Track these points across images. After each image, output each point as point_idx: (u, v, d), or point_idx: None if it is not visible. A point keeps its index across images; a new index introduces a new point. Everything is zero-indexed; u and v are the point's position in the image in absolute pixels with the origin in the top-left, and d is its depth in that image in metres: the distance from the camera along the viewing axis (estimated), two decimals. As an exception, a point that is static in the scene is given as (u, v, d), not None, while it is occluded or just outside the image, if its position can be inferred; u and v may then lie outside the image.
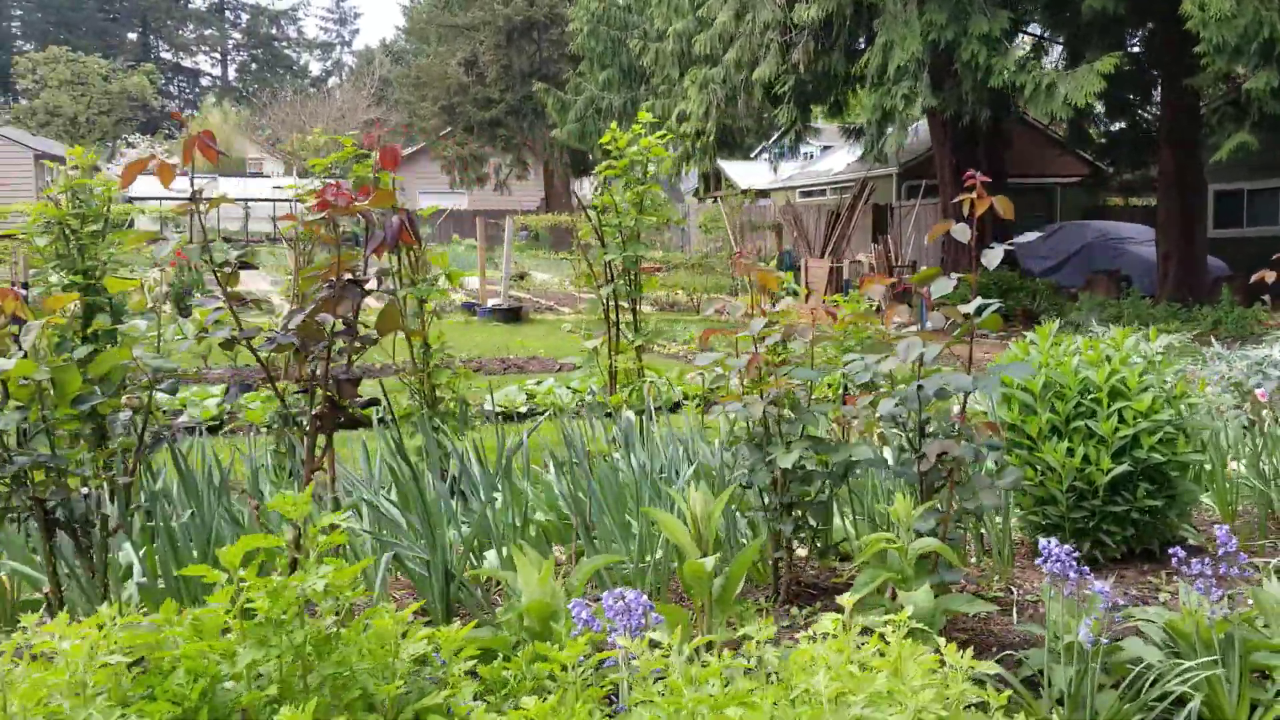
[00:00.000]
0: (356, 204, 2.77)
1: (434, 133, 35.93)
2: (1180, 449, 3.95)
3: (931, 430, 3.40)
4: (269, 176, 47.79)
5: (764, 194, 32.94)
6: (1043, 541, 2.74)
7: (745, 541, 3.50)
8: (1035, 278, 20.34)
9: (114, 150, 47.63)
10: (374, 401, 2.92)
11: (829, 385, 5.07)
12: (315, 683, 2.06)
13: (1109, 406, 3.96)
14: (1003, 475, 3.21)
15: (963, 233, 3.39)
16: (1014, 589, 3.82)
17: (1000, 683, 2.89)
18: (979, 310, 3.40)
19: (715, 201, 27.78)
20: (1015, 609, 3.59)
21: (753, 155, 35.56)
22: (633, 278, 7.14)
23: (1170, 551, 3.07)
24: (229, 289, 2.86)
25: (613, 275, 7.00)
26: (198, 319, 2.94)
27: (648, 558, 3.24)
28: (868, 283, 3.63)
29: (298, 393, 2.99)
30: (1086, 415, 4.00)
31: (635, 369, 6.96)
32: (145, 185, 35.78)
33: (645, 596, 2.38)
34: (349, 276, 2.80)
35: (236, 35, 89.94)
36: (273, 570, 2.50)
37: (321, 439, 3.02)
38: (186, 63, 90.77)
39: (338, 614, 2.25)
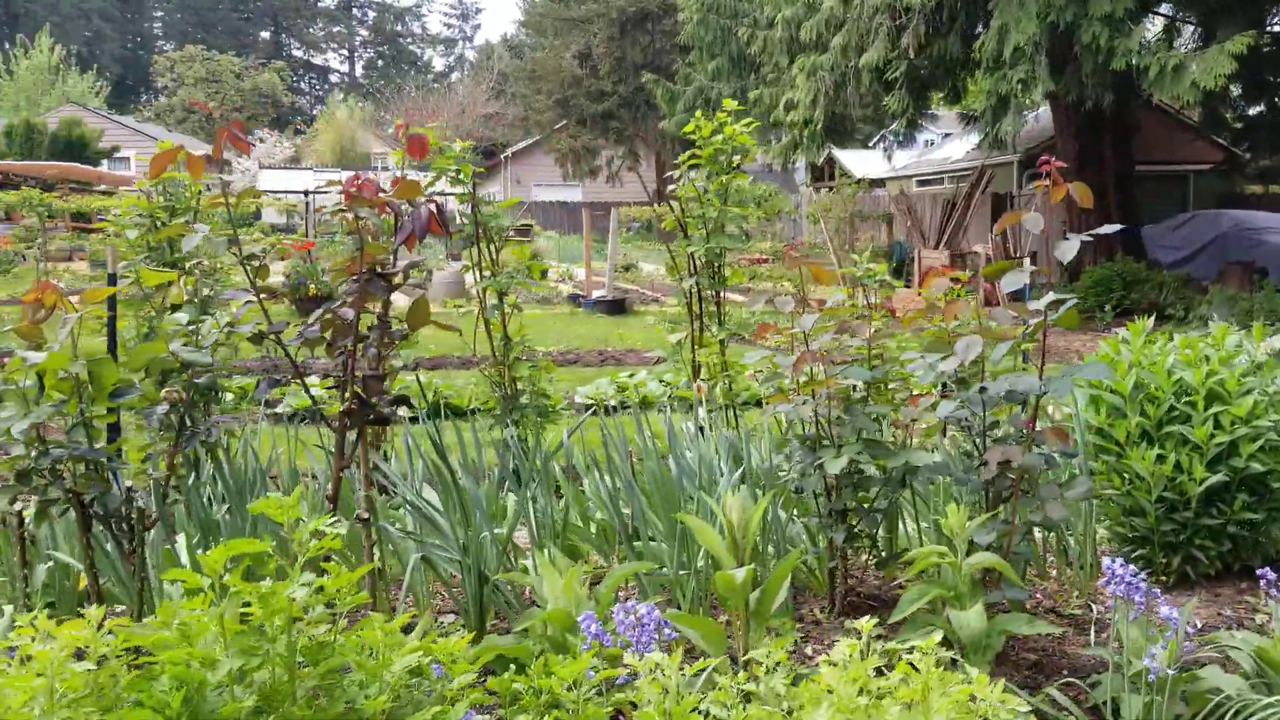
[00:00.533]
0: (380, 196, 2.69)
1: (548, 126, 36.15)
2: (1284, 457, 3.62)
3: (999, 435, 3.17)
4: (388, 170, 48.70)
5: (880, 183, 32.27)
6: (1106, 560, 2.51)
7: (803, 549, 3.32)
8: (1164, 269, 19.42)
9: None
10: (402, 399, 2.84)
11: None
12: (302, 694, 1.98)
13: (1205, 410, 3.66)
14: (1072, 485, 2.96)
15: (1035, 223, 3.15)
16: (1094, 606, 3.56)
17: (1060, 710, 2.66)
18: (1055, 305, 3.16)
19: (830, 191, 27.33)
20: (1094, 628, 3.34)
21: (871, 144, 34.88)
22: (716, 270, 6.98)
23: (1259, 573, 2.80)
24: (259, 283, 2.81)
25: (695, 268, 6.85)
26: (231, 313, 2.90)
27: (691, 565, 3.10)
28: (931, 276, 3.41)
29: (331, 387, 2.93)
30: (1180, 420, 3.70)
31: (718, 363, 6.80)
32: (273, 179, 36.93)
33: (657, 611, 2.24)
34: (375, 270, 2.72)
35: (363, 32, 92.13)
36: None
37: (353, 435, 2.95)
38: (316, 60, 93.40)
39: (334, 621, 2.17)
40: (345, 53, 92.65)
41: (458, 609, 3.14)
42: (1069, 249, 3.08)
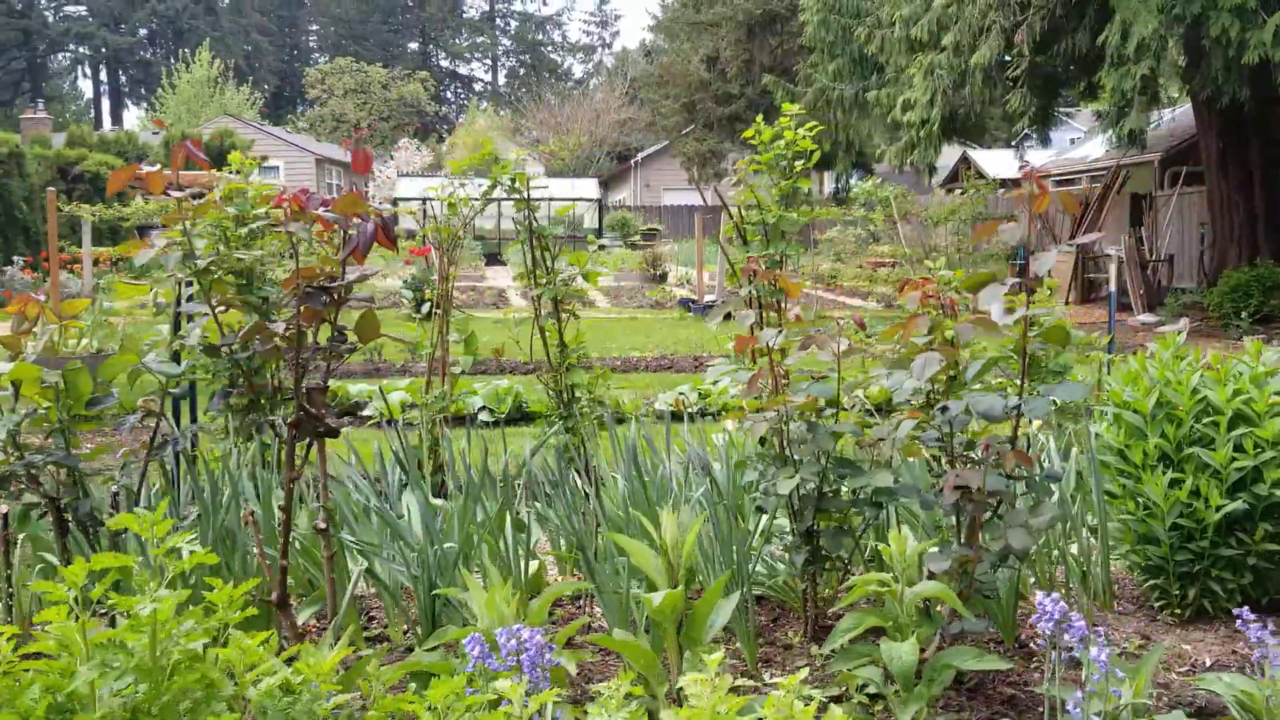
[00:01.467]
0: (319, 211, 2.71)
1: (675, 130, 36.23)
2: (1314, 485, 3.34)
3: (978, 458, 3.01)
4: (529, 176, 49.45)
5: (1015, 184, 31.31)
6: (1039, 596, 2.35)
7: (731, 572, 3.19)
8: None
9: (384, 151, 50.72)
10: (355, 409, 2.86)
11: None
12: (157, 708, 2.01)
13: (1228, 432, 3.40)
14: (1037, 511, 2.78)
15: (1012, 234, 2.97)
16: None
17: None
18: (1034, 320, 2.98)
19: (962, 193, 26.68)
20: (1064, 666, 3.14)
21: (1014, 143, 33.79)
22: (773, 278, 6.86)
23: (1236, 613, 2.58)
24: (217, 295, 2.88)
25: (753, 275, 6.74)
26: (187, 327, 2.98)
27: (647, 585, 3.03)
28: (909, 288, 3.26)
29: (282, 400, 2.97)
30: (1202, 442, 3.45)
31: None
32: (409, 186, 38.01)
33: (541, 635, 2.20)
34: (317, 284, 2.75)
35: (506, 42, 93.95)
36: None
37: (318, 446, 2.99)
38: (462, 69, 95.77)
39: (216, 639, 2.20)
40: (489, 62, 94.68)
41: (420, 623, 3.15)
42: (1046, 261, 2.89)
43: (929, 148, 17.36)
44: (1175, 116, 24.63)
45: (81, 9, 71.49)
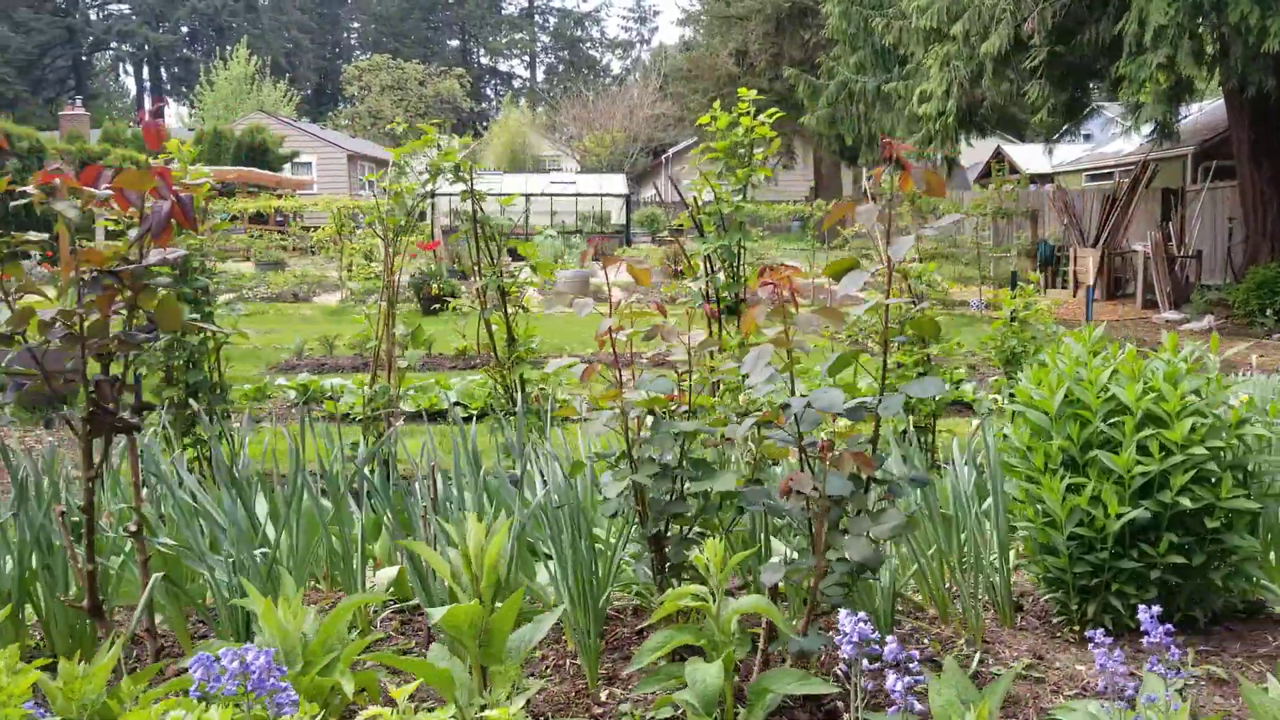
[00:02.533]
0: (90, 190, 2.50)
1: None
2: (1225, 493, 3.04)
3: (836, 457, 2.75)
4: (561, 171, 49.41)
5: (1048, 178, 30.75)
6: (842, 614, 2.09)
7: (525, 588, 2.93)
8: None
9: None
10: (147, 406, 2.66)
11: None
12: None
13: (1135, 433, 3.11)
14: (880, 520, 2.51)
15: (867, 216, 2.70)
16: (990, 658, 3.07)
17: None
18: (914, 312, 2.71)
19: (993, 187, 26.24)
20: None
21: (1054, 137, 33.08)
22: (734, 270, 6.63)
23: (1088, 635, 2.31)
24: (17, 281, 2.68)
25: (712, 269, 6.50)
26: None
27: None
28: (777, 275, 2.99)
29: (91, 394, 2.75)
30: (1111, 445, 3.17)
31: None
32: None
33: (265, 656, 1.98)
34: (107, 269, 2.55)
35: (544, 38, 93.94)
36: None
37: (128, 443, 2.79)
38: (502, 66, 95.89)
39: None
40: (527, 58, 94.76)
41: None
42: (902, 246, 2.62)
43: (945, 140, 16.96)
44: (1207, 109, 23.99)
45: (124, 7, 72.35)
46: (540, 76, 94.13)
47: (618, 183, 37.29)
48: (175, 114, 68.02)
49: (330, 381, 9.14)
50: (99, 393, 2.61)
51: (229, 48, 58.10)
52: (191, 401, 5.31)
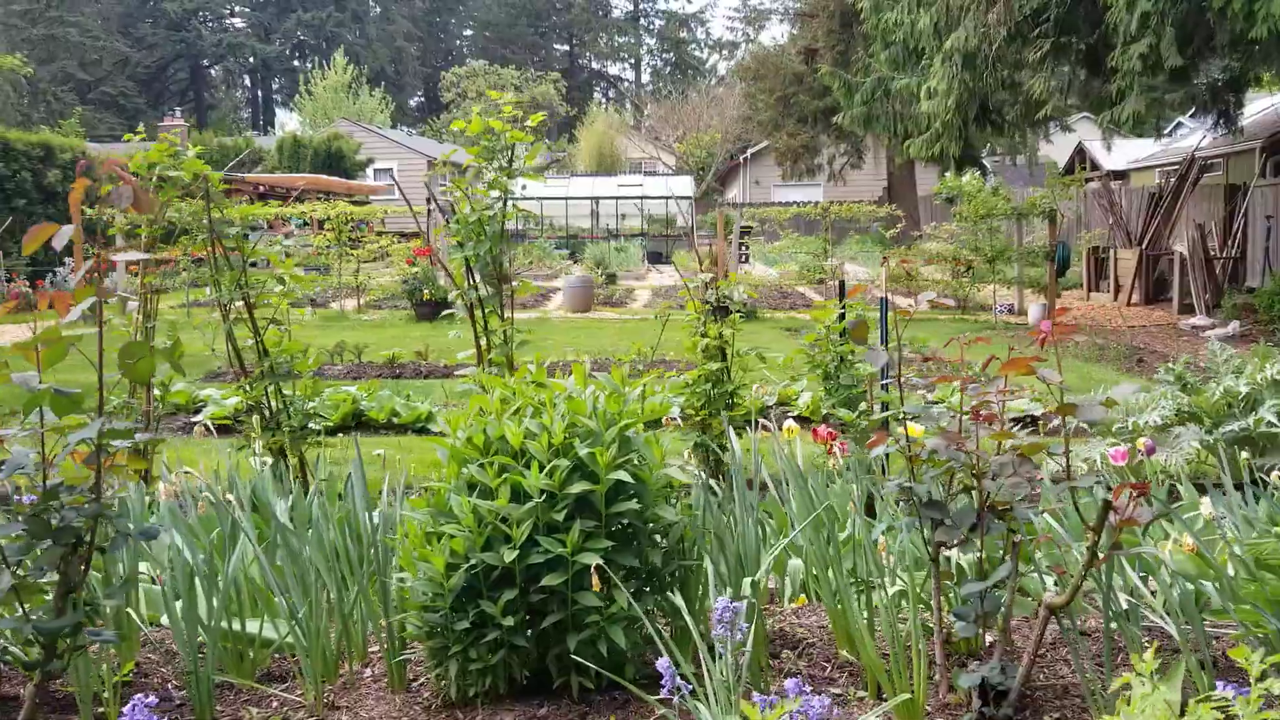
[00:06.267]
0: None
1: (769, 125, 35.27)
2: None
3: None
4: (655, 175, 49.17)
5: (1123, 175, 29.40)
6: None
7: None
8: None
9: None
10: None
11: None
12: None
13: (499, 476, 2.76)
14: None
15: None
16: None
17: None
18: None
19: (1052, 186, 25.20)
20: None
21: (1167, 132, 31.53)
22: (497, 279, 6.36)
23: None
24: None
25: (474, 279, 6.24)
26: None
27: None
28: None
29: None
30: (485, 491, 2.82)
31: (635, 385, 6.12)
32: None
33: None
34: None
35: (650, 41, 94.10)
36: None
37: None
38: (612, 69, 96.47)
39: None
40: (633, 61, 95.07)
41: None
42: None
43: (949, 139, 16.22)
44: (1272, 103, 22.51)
45: (237, 21, 75.15)
46: (646, 79, 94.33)
47: (684, 185, 37.02)
48: (279, 123, 70.25)
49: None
50: None
51: (335, 56, 59.76)
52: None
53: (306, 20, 73.31)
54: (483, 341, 6.13)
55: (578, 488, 2.67)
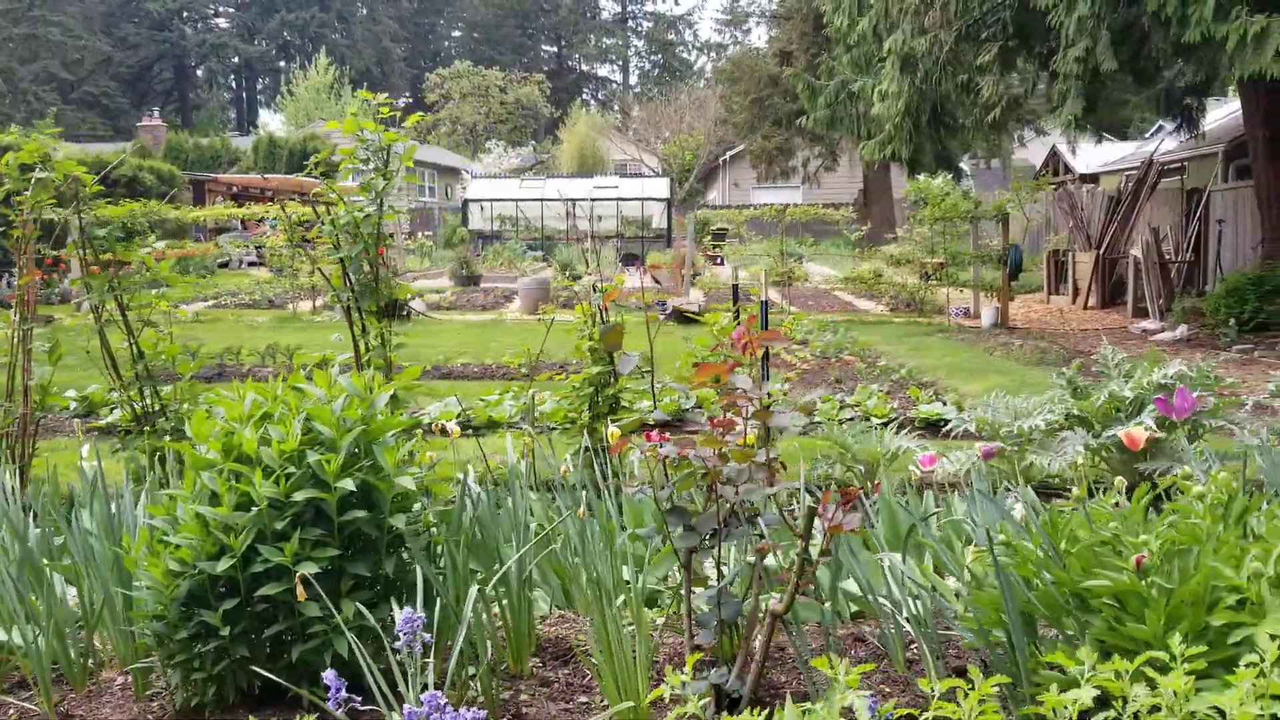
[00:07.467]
0: None
1: (744, 127, 35.28)
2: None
3: None
4: (639, 176, 49.16)
5: (1093, 179, 29.44)
6: None
7: None
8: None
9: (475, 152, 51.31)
10: None
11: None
12: None
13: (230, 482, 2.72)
14: None
15: None
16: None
17: None
18: None
19: (1017, 189, 25.34)
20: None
21: (1148, 136, 31.56)
22: (374, 282, 6.34)
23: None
24: None
25: (353, 284, 6.21)
26: None
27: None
28: None
29: None
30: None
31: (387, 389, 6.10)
32: (481, 188, 38.23)
33: None
34: None
35: (638, 42, 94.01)
36: None
37: None
38: (600, 71, 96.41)
39: None
40: (620, 63, 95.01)
41: None
42: None
43: (900, 142, 16.21)
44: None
45: (221, 21, 75.01)
46: (634, 80, 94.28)
47: (660, 187, 36.98)
48: (261, 124, 70.11)
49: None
50: None
51: (319, 57, 59.66)
52: None
53: (291, 21, 73.21)
54: (361, 345, 6.11)
55: (303, 495, 2.63)
